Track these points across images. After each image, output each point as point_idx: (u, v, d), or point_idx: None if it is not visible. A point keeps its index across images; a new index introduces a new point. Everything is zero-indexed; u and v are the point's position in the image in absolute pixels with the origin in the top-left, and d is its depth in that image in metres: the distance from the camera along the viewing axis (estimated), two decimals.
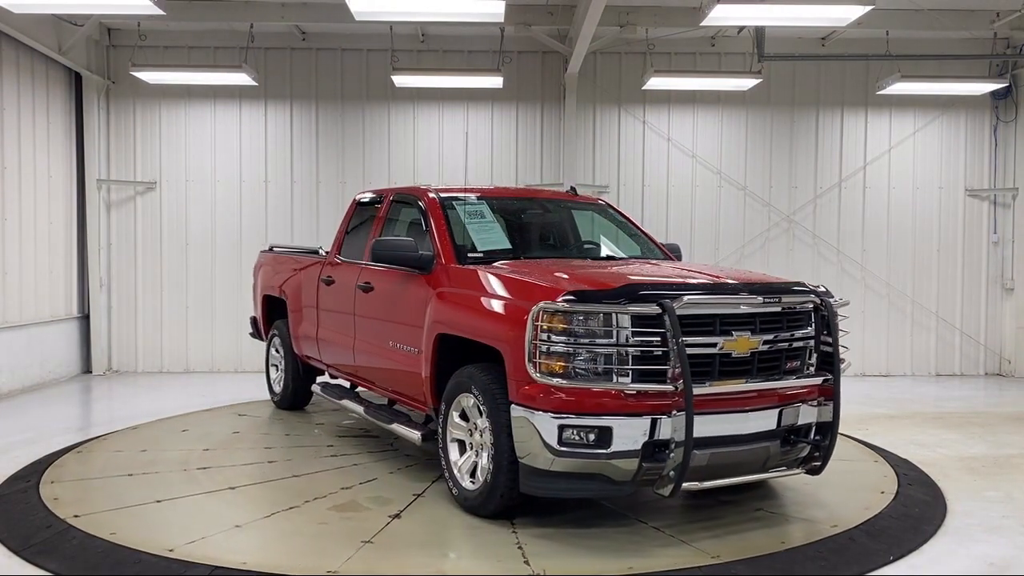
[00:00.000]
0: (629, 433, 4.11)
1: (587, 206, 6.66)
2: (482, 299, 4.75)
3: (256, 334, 8.64)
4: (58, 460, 5.85)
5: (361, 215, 6.80)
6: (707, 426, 4.17)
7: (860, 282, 10.67)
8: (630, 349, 4.14)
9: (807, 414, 4.63)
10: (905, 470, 5.94)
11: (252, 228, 10.58)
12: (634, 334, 4.14)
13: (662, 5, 9.63)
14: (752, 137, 10.83)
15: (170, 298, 10.62)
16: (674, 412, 4.13)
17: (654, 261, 5.97)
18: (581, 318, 4.14)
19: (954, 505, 5.18)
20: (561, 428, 4.11)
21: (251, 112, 10.66)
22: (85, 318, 10.46)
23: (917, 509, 5.07)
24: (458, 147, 10.71)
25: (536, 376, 4.16)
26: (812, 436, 4.65)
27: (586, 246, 6.33)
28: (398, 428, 5.60)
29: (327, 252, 7.41)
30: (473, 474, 4.77)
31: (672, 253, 6.35)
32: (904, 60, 10.02)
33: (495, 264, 5.19)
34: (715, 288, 4.55)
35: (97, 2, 7.96)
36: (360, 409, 6.21)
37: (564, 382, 4.13)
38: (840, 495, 5.28)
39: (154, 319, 10.63)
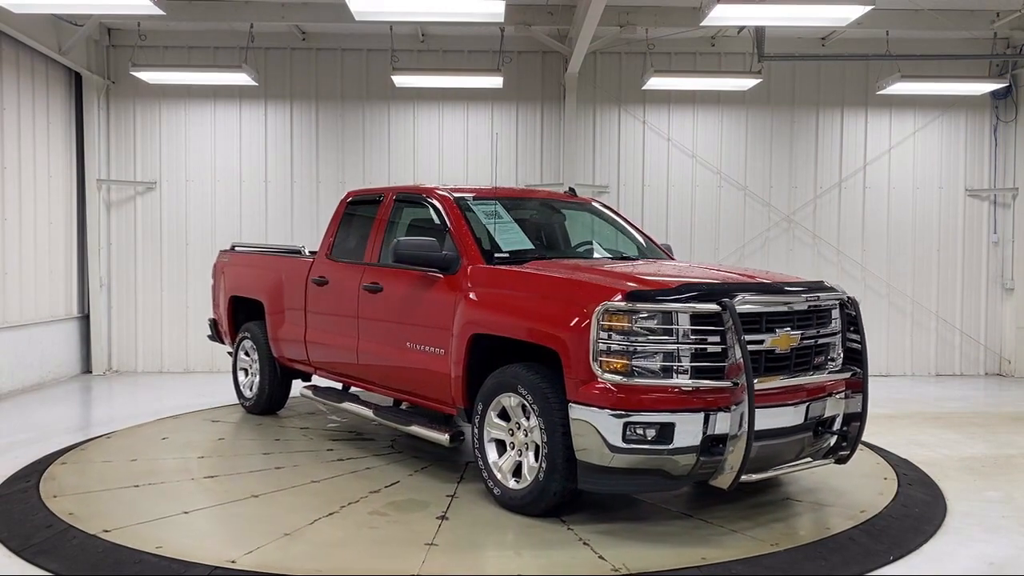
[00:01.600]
0: (690, 429, 4.22)
1: (583, 206, 6.72)
2: (532, 300, 4.77)
3: (216, 337, 8.26)
4: (47, 472, 5.61)
5: (356, 215, 6.70)
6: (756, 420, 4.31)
7: (860, 282, 10.67)
8: (690, 346, 4.25)
9: (835, 406, 4.85)
10: (905, 470, 5.94)
11: (252, 228, 10.58)
12: (693, 332, 4.26)
13: (662, 5, 9.63)
14: (752, 137, 10.83)
15: (170, 298, 10.62)
16: (733, 407, 4.24)
17: (664, 260, 6.12)
18: (644, 317, 4.24)
19: (954, 505, 5.18)
20: (626, 425, 4.19)
21: (251, 112, 10.66)
22: (85, 318, 10.46)
23: (917, 509, 5.08)
24: (458, 147, 10.72)
25: (601, 375, 4.23)
26: (840, 427, 4.88)
27: (595, 245, 6.33)
28: (421, 430, 5.57)
29: (311, 252, 7.26)
30: (516, 473, 4.80)
31: (668, 252, 6.47)
32: (904, 60, 10.02)
33: (527, 264, 5.25)
34: (763, 287, 4.70)
35: (97, 2, 7.96)
36: (368, 412, 6.14)
37: (628, 380, 4.20)
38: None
39: (154, 319, 10.63)
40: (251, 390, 7.62)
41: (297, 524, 4.58)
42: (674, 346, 4.23)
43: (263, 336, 7.34)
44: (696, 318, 4.28)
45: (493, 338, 4.96)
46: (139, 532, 4.43)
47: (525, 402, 4.66)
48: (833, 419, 4.87)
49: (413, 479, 5.53)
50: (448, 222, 5.61)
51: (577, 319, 4.36)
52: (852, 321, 4.97)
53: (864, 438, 6.78)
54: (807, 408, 4.65)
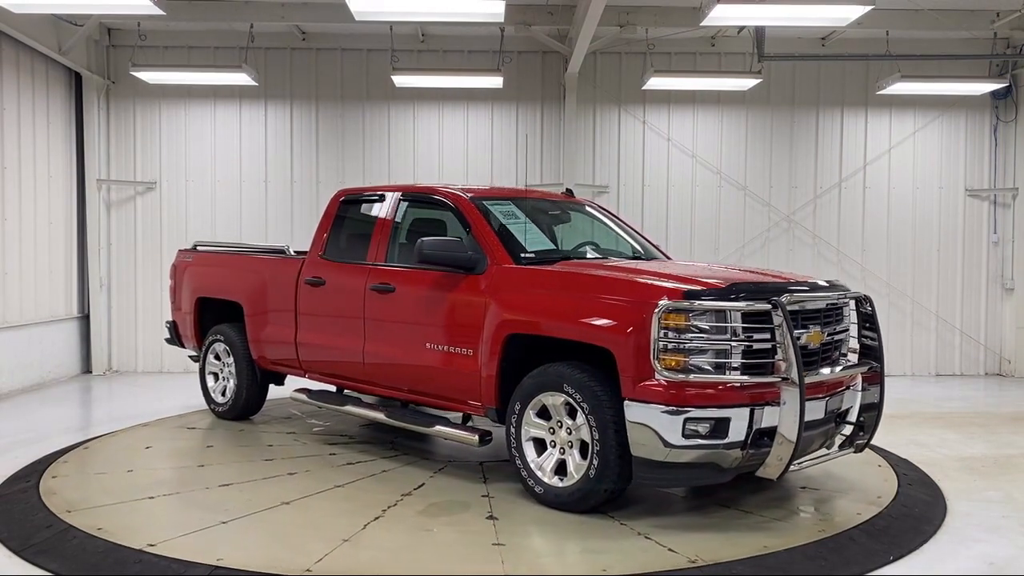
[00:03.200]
0: (742, 423, 4.40)
1: (580, 207, 6.75)
2: (580, 299, 4.82)
3: (175, 340, 7.90)
4: (44, 486, 5.30)
5: (353, 215, 6.56)
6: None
7: (860, 282, 10.65)
8: (741, 344, 4.42)
9: (853, 398, 5.16)
10: (905, 470, 5.94)
11: (252, 228, 10.57)
12: (743, 329, 4.44)
13: (662, 5, 9.63)
14: (752, 137, 10.83)
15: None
16: (784, 401, 4.41)
17: (677, 260, 6.29)
18: (702, 315, 4.39)
19: (954, 505, 5.18)
20: (685, 421, 4.32)
21: (251, 112, 10.66)
22: (85, 318, 10.46)
23: (917, 509, 5.08)
24: (458, 147, 10.72)
25: (661, 372, 4.34)
26: (858, 417, 5.14)
27: (604, 245, 6.32)
28: (450, 431, 5.55)
29: (297, 252, 7.06)
30: (559, 472, 4.87)
31: (663, 252, 6.62)
32: (904, 60, 10.02)
33: (557, 264, 5.33)
34: (802, 286, 4.91)
35: (97, 2, 7.96)
36: (378, 415, 6.02)
37: (685, 377, 4.35)
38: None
39: (154, 319, 10.60)
40: (223, 395, 7.32)
41: (350, 530, 4.49)
42: (727, 344, 4.39)
43: (240, 339, 7.08)
44: (746, 316, 4.45)
45: (528, 338, 5.01)
46: (189, 544, 4.23)
47: (572, 401, 4.72)
48: (849, 411, 5.12)
49: (437, 481, 5.48)
50: (469, 223, 5.59)
51: (636, 318, 4.45)
52: (868, 318, 5.19)
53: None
54: (828, 400, 4.86)
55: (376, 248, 6.11)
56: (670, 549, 4.26)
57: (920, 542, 4.52)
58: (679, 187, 10.78)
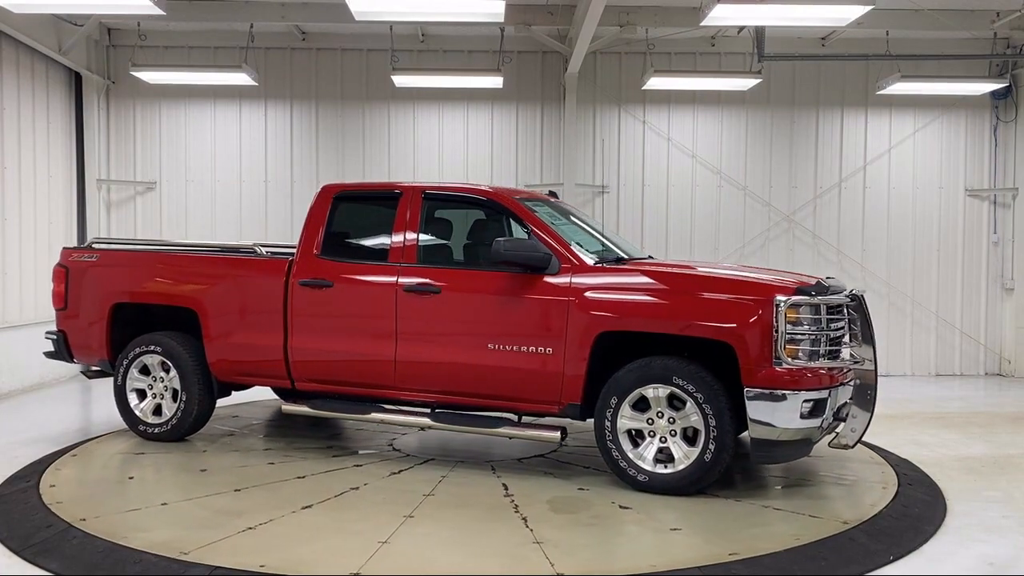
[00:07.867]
0: (832, 402, 5.05)
1: (569, 208, 6.80)
2: (690, 297, 5.19)
3: (63, 354, 6.79)
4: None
5: (356, 212, 6.32)
6: (845, 394, 5.28)
7: (860, 282, 10.65)
8: (828, 333, 5.05)
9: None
10: (905, 470, 5.93)
11: (252, 228, 10.57)
12: (828, 321, 5.07)
13: (662, 5, 9.63)
14: (752, 137, 10.83)
15: None
16: (858, 380, 5.22)
17: (693, 261, 6.76)
18: (808, 309, 4.98)
19: (954, 505, 5.18)
20: (803, 403, 4.88)
21: (251, 112, 10.66)
22: None
23: (917, 509, 5.07)
24: (458, 147, 10.73)
25: (783, 361, 4.87)
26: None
27: (613, 246, 6.27)
28: (529, 431, 5.56)
29: (272, 252, 6.53)
30: (659, 459, 5.18)
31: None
32: (904, 60, 10.02)
33: (629, 263, 5.66)
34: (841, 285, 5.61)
35: (97, 2, 7.96)
36: (426, 421, 5.80)
37: (798, 364, 4.90)
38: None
39: None
40: (157, 414, 6.43)
41: (523, 535, 4.42)
42: (821, 333, 5.00)
43: (190, 350, 6.31)
44: (831, 309, 5.10)
45: (615, 336, 5.25)
46: (391, 571, 3.98)
47: (682, 391, 5.04)
48: None
49: (514, 481, 5.39)
50: (527, 224, 5.64)
51: (758, 313, 4.94)
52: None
53: (864, 438, 6.83)
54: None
55: (402, 248, 5.83)
56: (812, 516, 4.78)
57: (920, 542, 4.51)
58: (679, 187, 10.78)
